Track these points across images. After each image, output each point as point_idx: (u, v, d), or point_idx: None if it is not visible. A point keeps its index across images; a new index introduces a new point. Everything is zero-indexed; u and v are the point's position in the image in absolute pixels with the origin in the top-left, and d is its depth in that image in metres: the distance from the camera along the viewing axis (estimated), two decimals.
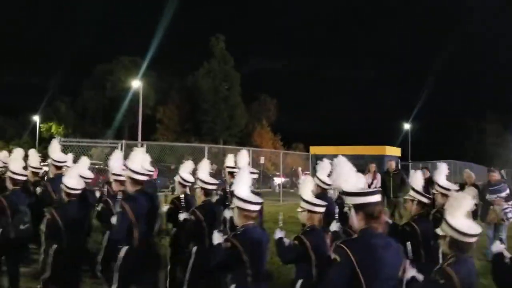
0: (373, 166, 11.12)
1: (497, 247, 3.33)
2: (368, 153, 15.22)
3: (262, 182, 23.43)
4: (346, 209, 2.84)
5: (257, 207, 3.48)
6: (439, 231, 2.92)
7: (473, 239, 2.84)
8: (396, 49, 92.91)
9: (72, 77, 50.20)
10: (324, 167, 5.09)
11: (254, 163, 15.12)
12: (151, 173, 5.50)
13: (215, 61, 45.68)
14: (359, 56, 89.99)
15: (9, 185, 5.10)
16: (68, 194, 4.56)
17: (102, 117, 46.71)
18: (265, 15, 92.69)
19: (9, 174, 5.15)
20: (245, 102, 48.06)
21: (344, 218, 3.75)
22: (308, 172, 21.00)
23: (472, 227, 2.85)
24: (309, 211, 3.75)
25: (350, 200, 2.75)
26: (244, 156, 5.88)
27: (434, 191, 4.95)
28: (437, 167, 5.00)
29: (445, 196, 4.42)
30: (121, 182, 4.89)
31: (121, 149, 9.05)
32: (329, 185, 4.95)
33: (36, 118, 50.47)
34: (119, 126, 45.73)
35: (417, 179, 4.59)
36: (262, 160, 18.61)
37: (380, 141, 29.30)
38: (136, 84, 35.50)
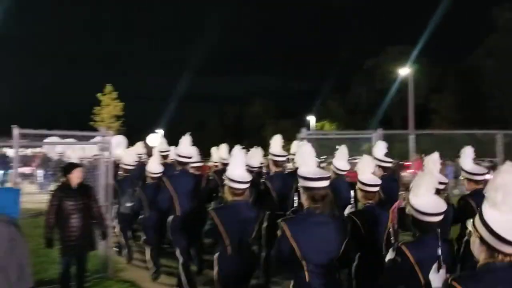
0: None
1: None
2: None
3: None
4: (300, 189, 3.29)
5: (243, 186, 3.94)
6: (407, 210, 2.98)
7: (432, 218, 2.80)
8: None
9: (343, 75, 51.46)
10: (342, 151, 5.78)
11: None
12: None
13: (498, 36, 38.35)
14: None
15: None
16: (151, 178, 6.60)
17: (372, 111, 45.84)
18: None
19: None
20: None
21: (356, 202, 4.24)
22: None
23: (432, 206, 2.84)
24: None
25: (300, 183, 3.24)
26: None
27: (461, 177, 4.73)
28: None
29: (472, 181, 4.45)
30: None
31: (378, 139, 7.26)
32: (343, 170, 5.55)
33: (311, 118, 53.91)
34: (389, 119, 43.94)
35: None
36: None
37: None
38: (404, 73, 33.14)
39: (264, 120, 62.83)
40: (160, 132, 47.40)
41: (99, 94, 34.57)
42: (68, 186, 5.34)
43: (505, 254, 1.98)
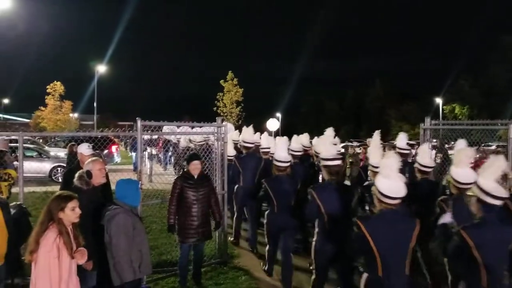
0: None
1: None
2: None
3: None
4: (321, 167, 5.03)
5: (285, 164, 5.63)
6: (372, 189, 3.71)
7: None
8: None
9: (477, 54, 46.70)
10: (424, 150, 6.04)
11: None
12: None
13: None
14: None
15: None
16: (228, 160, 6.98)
17: (509, 93, 40.82)
18: None
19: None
20: None
21: None
22: None
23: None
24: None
25: (321, 162, 4.92)
26: None
27: None
28: None
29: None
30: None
31: None
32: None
33: (439, 100, 50.02)
34: None
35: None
36: None
37: None
38: None
39: (386, 102, 59.92)
40: (278, 117, 48.01)
41: (221, 81, 36.00)
42: (189, 176, 5.53)
43: (388, 204, 3.41)
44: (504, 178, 3.92)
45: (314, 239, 4.76)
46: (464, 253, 3.27)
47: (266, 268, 6.29)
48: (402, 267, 3.39)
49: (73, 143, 11.99)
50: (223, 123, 6.84)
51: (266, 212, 5.86)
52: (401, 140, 7.13)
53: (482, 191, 3.32)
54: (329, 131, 7.21)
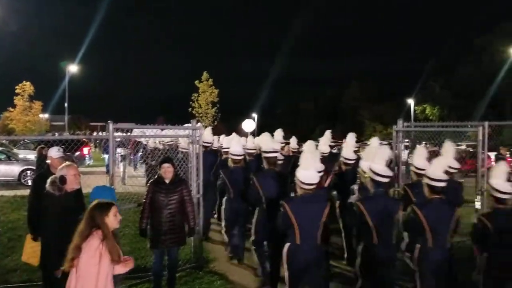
0: None
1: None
2: None
3: None
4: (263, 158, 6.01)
5: (239, 157, 6.85)
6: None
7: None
8: None
9: (449, 55, 47.66)
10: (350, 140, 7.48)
11: None
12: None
13: None
14: None
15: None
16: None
17: (480, 94, 41.88)
18: None
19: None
20: None
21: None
22: None
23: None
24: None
25: (262, 154, 5.97)
26: None
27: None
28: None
29: None
30: None
31: (483, 132, 6.46)
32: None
33: (411, 101, 51.00)
34: (500, 103, 39.94)
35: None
36: None
37: None
38: None
39: (361, 103, 60.67)
40: (254, 117, 47.85)
41: (196, 81, 35.56)
42: (162, 181, 5.37)
43: (305, 189, 4.32)
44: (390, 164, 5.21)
45: (254, 217, 5.79)
46: (360, 219, 4.37)
47: (231, 255, 7.01)
48: (315, 237, 4.32)
49: (42, 145, 11.65)
50: (197, 124, 6.75)
51: (224, 199, 6.94)
52: (350, 139, 8.22)
53: (373, 172, 4.46)
54: (278, 132, 8.99)
